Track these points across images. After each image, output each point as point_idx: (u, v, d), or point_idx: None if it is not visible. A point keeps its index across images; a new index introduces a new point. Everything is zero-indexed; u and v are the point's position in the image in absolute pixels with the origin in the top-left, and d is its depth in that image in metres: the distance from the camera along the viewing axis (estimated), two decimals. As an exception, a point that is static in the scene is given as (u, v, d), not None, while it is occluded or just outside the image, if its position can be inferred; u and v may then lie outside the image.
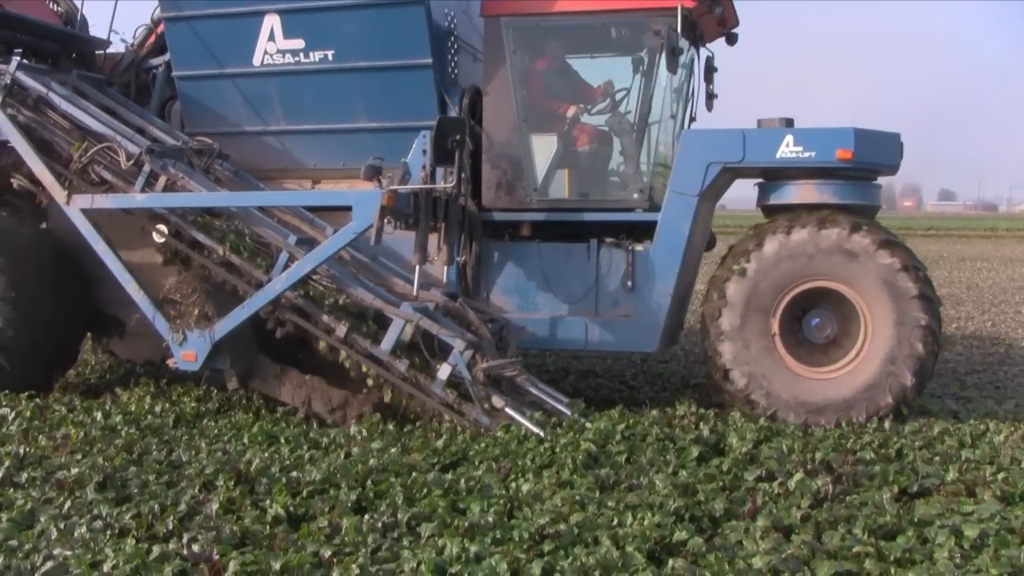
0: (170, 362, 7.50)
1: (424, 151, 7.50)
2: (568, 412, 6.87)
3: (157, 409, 7.39)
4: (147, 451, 6.09)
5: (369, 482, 5.34)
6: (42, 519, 4.72)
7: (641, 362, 10.45)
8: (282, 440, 6.47)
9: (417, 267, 7.11)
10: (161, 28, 8.85)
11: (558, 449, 6.01)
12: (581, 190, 8.05)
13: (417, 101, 7.87)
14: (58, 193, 7.65)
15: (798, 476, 5.40)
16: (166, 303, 7.60)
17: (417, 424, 6.91)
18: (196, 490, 5.21)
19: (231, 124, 8.46)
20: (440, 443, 6.22)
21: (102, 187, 7.67)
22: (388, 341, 6.96)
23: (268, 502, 4.98)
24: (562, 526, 4.56)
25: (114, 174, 7.65)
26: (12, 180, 8.04)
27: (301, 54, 8.05)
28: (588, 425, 6.47)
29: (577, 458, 5.76)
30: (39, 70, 8.35)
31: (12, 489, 5.31)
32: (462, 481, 5.32)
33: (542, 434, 6.30)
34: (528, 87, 8.07)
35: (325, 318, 7.12)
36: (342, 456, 6.00)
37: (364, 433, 6.59)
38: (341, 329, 7.02)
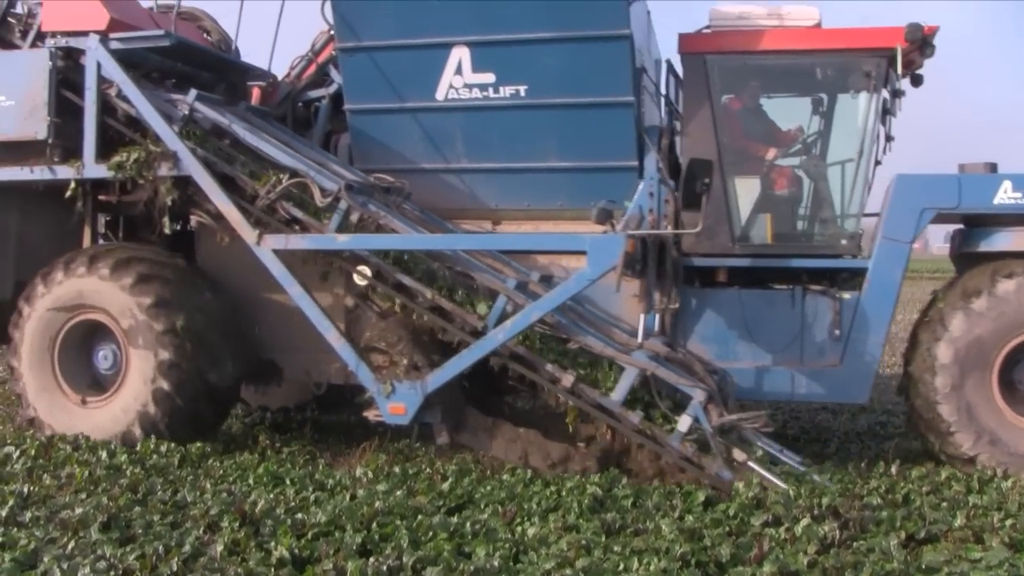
0: (372, 415, 7.03)
1: (651, 194, 7.32)
2: (799, 467, 6.63)
3: (162, 449, 7.33)
4: (152, 491, 6.08)
5: (375, 525, 5.32)
6: (45, 559, 4.71)
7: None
8: (287, 481, 6.46)
9: (643, 315, 6.82)
10: (321, 58, 8.64)
11: (564, 493, 6.00)
12: (785, 235, 7.84)
13: (615, 141, 7.52)
14: (247, 232, 7.16)
15: (805, 521, 5.37)
16: (367, 351, 7.12)
17: (423, 467, 6.89)
18: (201, 531, 5.20)
19: (406, 160, 8.01)
20: (446, 486, 6.22)
21: (290, 225, 7.32)
22: (620, 391, 6.66)
23: (273, 544, 4.97)
24: (568, 570, 4.54)
25: (305, 212, 7.29)
26: (192, 216, 7.71)
27: (490, 88, 7.59)
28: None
29: (583, 502, 5.76)
30: (215, 101, 7.99)
31: (16, 528, 5.29)
32: (468, 524, 5.30)
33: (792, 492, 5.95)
34: (730, 127, 7.87)
35: (549, 367, 6.78)
36: (348, 498, 5.99)
37: (370, 475, 6.58)
38: (568, 379, 6.70)
